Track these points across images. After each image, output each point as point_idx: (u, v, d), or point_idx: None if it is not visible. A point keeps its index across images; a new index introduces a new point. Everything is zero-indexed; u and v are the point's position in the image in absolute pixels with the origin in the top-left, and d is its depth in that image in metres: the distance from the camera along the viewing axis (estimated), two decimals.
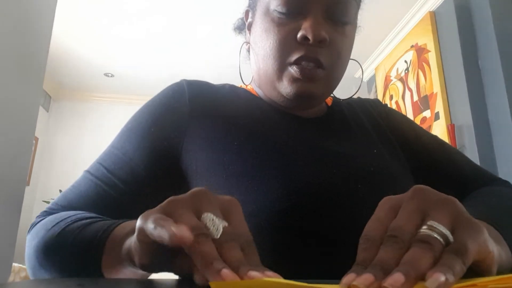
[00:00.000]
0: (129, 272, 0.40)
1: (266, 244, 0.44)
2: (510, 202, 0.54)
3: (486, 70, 2.26)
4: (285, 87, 0.56)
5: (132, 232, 0.35)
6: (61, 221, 0.46)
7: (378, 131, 0.65)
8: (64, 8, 2.87)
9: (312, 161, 0.53)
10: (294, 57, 0.54)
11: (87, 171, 0.56)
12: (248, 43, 0.65)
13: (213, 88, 0.63)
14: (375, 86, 3.46)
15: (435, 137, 0.69)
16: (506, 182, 0.64)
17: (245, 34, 0.68)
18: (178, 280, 0.36)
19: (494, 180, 0.63)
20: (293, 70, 0.54)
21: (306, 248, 0.47)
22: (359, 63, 0.67)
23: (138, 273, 0.40)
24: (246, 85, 0.68)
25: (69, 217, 0.46)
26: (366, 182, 0.53)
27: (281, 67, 0.55)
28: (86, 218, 0.45)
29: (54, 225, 0.46)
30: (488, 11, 2.24)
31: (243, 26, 0.69)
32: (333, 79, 0.58)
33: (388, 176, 0.55)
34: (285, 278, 0.41)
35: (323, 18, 0.54)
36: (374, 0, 2.74)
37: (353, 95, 0.70)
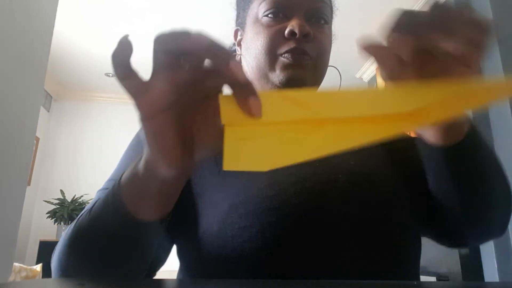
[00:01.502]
0: (156, 189, 0.38)
1: (254, 227, 0.49)
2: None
3: (487, 69, 2.26)
4: (278, 75, 0.62)
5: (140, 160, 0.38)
6: (73, 222, 0.48)
7: None
8: (65, 8, 2.87)
9: None
10: (283, 49, 0.61)
11: (97, 190, 0.60)
12: (239, 55, 0.73)
13: None
14: (376, 86, 3.46)
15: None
16: None
17: (235, 53, 0.76)
18: (178, 280, 0.37)
19: None
20: (284, 58, 0.61)
21: (291, 230, 0.51)
22: (338, 70, 0.75)
23: (166, 178, 0.37)
24: None
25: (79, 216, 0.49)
26: (346, 173, 0.58)
27: (273, 58, 0.62)
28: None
29: (69, 227, 0.48)
30: (489, 10, 2.23)
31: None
32: (319, 69, 0.65)
33: (367, 170, 0.60)
34: (271, 256, 0.48)
35: (305, 19, 0.63)
36: None
37: None
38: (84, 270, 0.44)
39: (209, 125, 0.34)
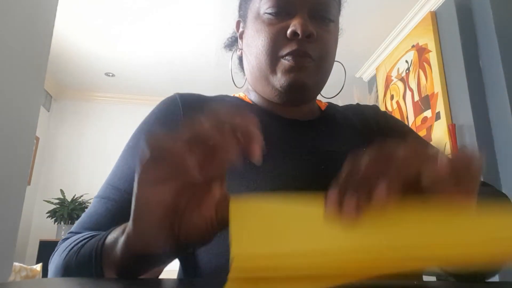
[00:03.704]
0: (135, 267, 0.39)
1: None
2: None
3: (487, 69, 2.25)
4: (279, 79, 0.60)
5: (123, 229, 0.37)
6: (68, 246, 0.48)
7: (368, 133, 0.69)
8: (65, 8, 2.87)
9: (301, 158, 0.58)
10: (285, 51, 0.59)
11: (96, 196, 0.58)
12: (241, 49, 0.70)
13: (205, 98, 0.67)
14: (376, 86, 3.46)
15: (420, 137, 0.72)
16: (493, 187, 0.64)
17: (237, 44, 0.73)
18: (178, 280, 0.37)
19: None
20: (285, 60, 0.59)
21: None
22: (342, 65, 0.72)
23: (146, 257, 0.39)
24: (239, 94, 0.73)
25: (74, 241, 0.48)
26: None
27: (274, 60, 0.60)
28: (86, 238, 0.47)
29: (63, 251, 0.48)
30: (489, 11, 2.23)
31: (232, 43, 0.77)
32: (322, 71, 0.63)
33: None
34: None
35: (309, 17, 0.60)
36: (375, 0, 2.74)
37: (335, 96, 0.74)
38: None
39: (198, 218, 0.33)
